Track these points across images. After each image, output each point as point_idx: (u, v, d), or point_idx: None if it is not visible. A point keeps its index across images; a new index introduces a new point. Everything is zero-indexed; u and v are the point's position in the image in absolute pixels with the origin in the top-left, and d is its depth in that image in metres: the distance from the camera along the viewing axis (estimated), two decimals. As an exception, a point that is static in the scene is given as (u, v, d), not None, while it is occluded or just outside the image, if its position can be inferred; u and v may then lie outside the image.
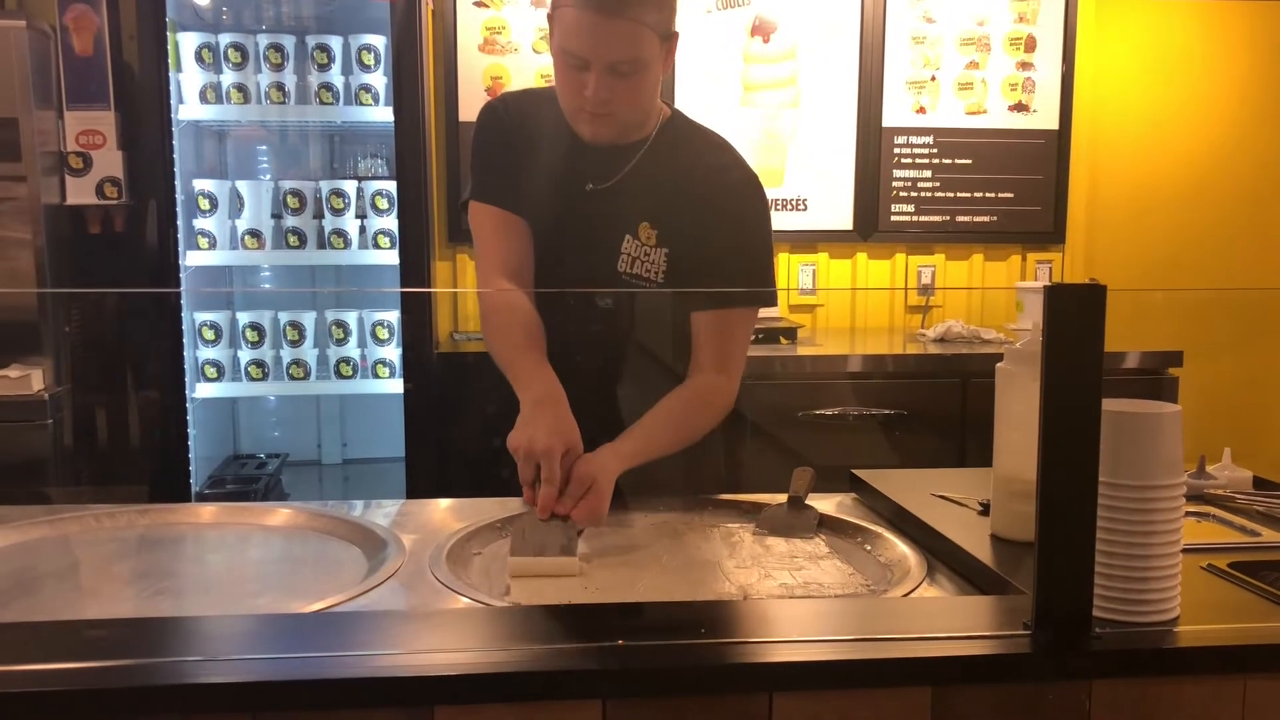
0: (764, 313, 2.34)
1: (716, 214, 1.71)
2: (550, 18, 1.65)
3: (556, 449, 1.48)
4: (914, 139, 3.87)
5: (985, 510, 1.51)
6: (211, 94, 3.22)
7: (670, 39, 1.65)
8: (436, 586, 1.33)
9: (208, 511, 1.67)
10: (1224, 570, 1.30)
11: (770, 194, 2.92)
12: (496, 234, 1.75)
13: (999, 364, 1.42)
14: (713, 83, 3.74)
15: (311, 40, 3.25)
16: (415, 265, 3.18)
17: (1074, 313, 1.07)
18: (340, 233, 3.30)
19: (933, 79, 3.85)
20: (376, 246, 3.32)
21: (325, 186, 3.31)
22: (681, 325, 1.75)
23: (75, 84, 3.05)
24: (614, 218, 1.73)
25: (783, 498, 1.68)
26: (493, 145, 1.79)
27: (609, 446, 1.58)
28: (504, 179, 1.75)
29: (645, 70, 1.62)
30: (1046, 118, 3.90)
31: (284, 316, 3.36)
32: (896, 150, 3.86)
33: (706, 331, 1.73)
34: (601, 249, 1.73)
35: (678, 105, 2.08)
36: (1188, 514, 1.28)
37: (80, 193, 3.08)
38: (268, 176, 3.59)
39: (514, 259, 1.75)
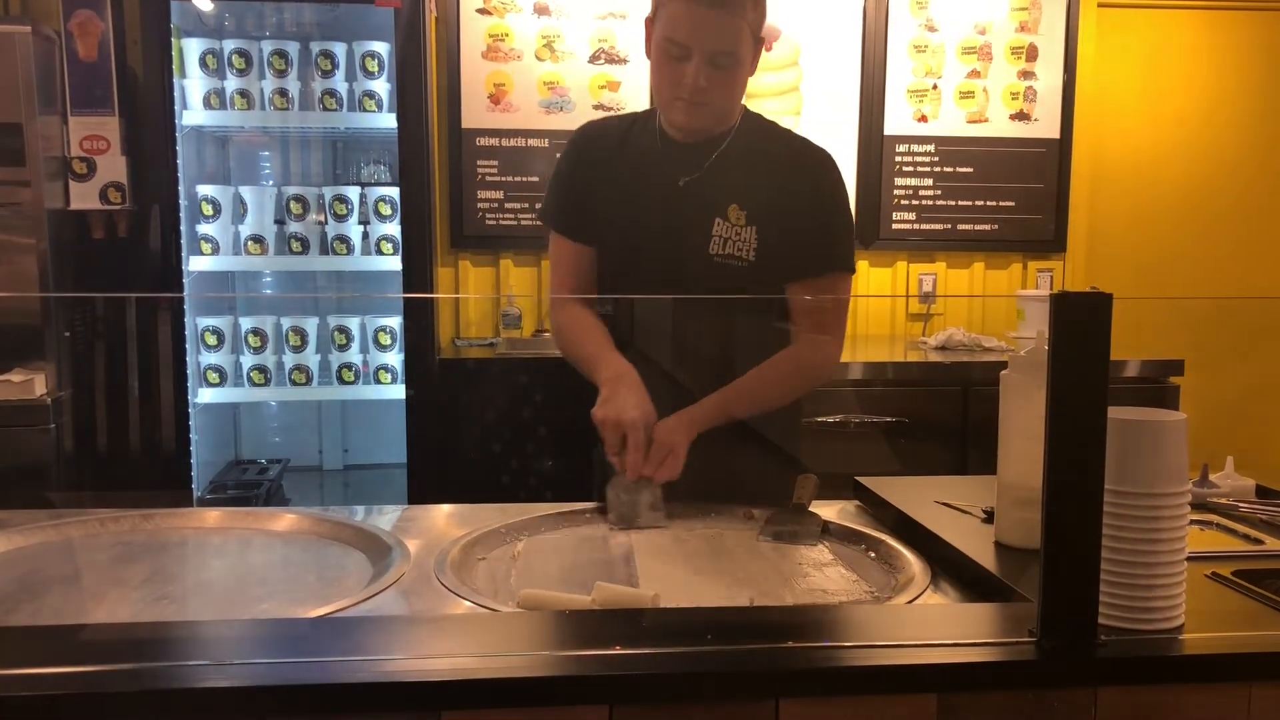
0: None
1: (801, 188, 1.84)
2: (650, 20, 1.79)
3: (639, 420, 1.68)
4: (915, 147, 3.88)
5: (989, 518, 1.51)
6: (215, 100, 3.23)
7: (760, 43, 1.80)
8: (442, 592, 1.33)
9: (212, 516, 1.67)
10: (1228, 578, 1.30)
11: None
12: (568, 263, 1.95)
13: (1004, 372, 1.42)
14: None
15: (315, 47, 3.26)
16: (418, 271, 3.20)
17: (1080, 321, 1.07)
18: (343, 238, 3.31)
19: (934, 87, 3.86)
20: (379, 252, 3.33)
21: (328, 192, 3.31)
22: (777, 301, 1.88)
23: (79, 89, 3.06)
24: (704, 205, 1.84)
25: (787, 505, 1.69)
26: (573, 175, 1.93)
27: (683, 412, 1.74)
28: (579, 210, 1.91)
29: (739, 66, 1.77)
30: (1048, 126, 3.91)
31: (286, 322, 3.37)
32: (898, 158, 3.87)
33: (804, 300, 1.87)
34: (693, 236, 1.84)
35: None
36: (1191, 522, 1.28)
37: (84, 198, 3.09)
38: (271, 182, 3.60)
39: (582, 284, 1.94)
